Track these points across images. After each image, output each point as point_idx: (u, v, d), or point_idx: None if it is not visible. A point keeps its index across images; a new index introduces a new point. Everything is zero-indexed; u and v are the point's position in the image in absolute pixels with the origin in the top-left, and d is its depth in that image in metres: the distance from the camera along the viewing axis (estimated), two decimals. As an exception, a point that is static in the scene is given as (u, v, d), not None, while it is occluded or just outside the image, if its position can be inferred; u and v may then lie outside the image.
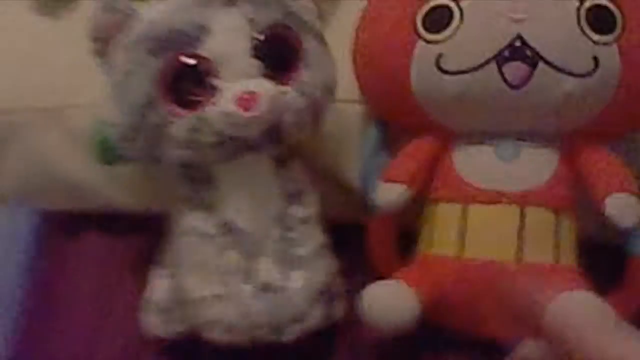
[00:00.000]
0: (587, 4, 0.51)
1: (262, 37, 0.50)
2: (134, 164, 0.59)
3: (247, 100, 0.47)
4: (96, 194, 0.66)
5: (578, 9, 0.51)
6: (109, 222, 0.68)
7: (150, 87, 0.48)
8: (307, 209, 0.54)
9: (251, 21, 0.49)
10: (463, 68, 0.52)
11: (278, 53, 0.50)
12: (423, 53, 0.53)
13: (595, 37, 0.51)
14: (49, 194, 0.68)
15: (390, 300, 0.51)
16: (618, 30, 0.51)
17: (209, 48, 0.48)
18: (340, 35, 0.59)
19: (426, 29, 0.53)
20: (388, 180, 0.55)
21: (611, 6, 0.51)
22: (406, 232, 0.58)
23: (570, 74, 0.51)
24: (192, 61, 0.48)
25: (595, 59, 0.51)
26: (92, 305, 0.66)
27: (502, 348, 0.49)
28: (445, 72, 0.52)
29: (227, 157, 0.51)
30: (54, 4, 0.67)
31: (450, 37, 0.52)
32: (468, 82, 0.52)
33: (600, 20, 0.51)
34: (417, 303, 0.51)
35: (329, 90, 0.53)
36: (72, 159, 0.64)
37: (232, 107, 0.47)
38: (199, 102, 0.48)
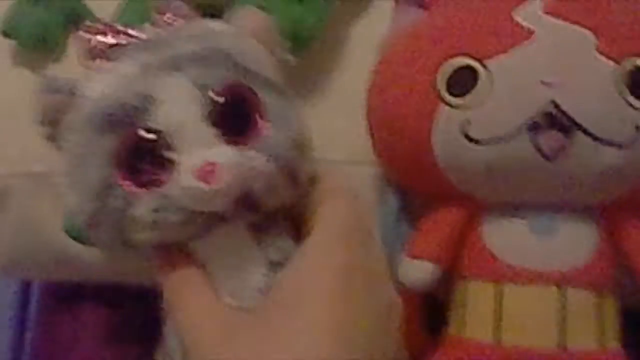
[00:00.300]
0: (627, 66, 0.46)
1: (214, 100, 0.44)
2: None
3: (206, 173, 0.42)
4: (89, 265, 0.61)
5: (617, 72, 0.46)
6: (107, 291, 0.63)
7: (105, 168, 0.44)
8: None
9: (201, 85, 0.44)
10: (492, 137, 0.47)
11: (235, 114, 0.45)
12: (447, 119, 0.48)
13: (637, 103, 0.46)
14: (41, 265, 0.64)
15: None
16: (661, 95, 0.46)
17: (159, 119, 0.43)
18: (349, 91, 0.54)
19: (450, 92, 0.48)
20: (414, 256, 0.51)
21: (652, 67, 0.47)
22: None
23: (610, 144, 0.46)
24: (143, 135, 0.44)
25: (637, 127, 0.46)
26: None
27: None
28: (473, 140, 0.48)
29: (199, 232, 0.45)
30: (38, 59, 0.62)
31: (477, 102, 0.47)
32: (498, 152, 0.47)
33: (640, 84, 0.46)
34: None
35: (299, 146, 0.47)
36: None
37: (191, 181, 0.43)
38: (158, 178, 0.44)
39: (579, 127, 0.46)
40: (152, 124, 0.43)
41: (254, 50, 0.48)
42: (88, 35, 0.46)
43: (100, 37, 0.47)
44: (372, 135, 0.53)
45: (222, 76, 0.45)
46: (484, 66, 0.47)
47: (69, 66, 0.61)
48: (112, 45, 0.46)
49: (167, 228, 0.44)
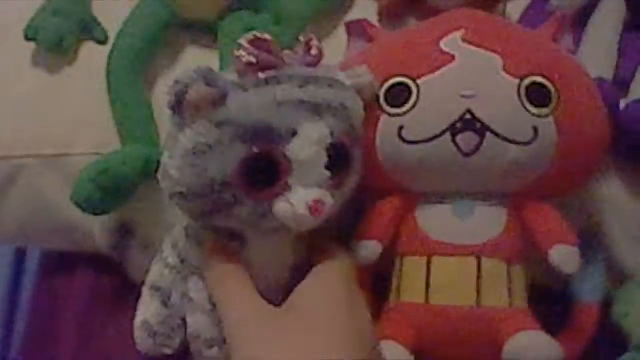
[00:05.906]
0: (526, 82, 0.54)
1: (334, 149, 0.50)
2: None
3: (317, 208, 0.48)
4: (91, 236, 0.65)
5: (519, 86, 0.54)
6: (99, 259, 0.67)
7: (229, 168, 0.48)
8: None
9: (330, 134, 0.50)
10: (421, 138, 0.55)
11: (339, 162, 0.51)
12: (387, 125, 0.56)
13: (534, 110, 0.54)
14: (47, 236, 0.68)
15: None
16: (554, 104, 0.54)
17: (293, 151, 0.48)
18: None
19: (388, 104, 0.56)
20: (363, 238, 0.57)
21: (547, 83, 0.54)
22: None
23: (514, 142, 0.54)
24: (276, 158, 0.48)
25: (535, 129, 0.54)
26: (79, 339, 0.68)
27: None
28: (407, 141, 0.55)
29: (271, 235, 0.52)
30: (54, 55, 0.67)
31: (409, 111, 0.55)
32: (426, 150, 0.55)
33: (538, 95, 0.54)
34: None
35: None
36: (69, 202, 0.62)
37: (305, 211, 0.48)
38: (269, 192, 0.49)
39: (489, 129, 0.53)
40: (286, 151, 0.48)
41: (360, 109, 0.54)
42: (253, 49, 0.49)
43: (264, 55, 0.49)
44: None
45: (343, 129, 0.51)
46: (416, 84, 0.55)
47: (79, 67, 0.66)
48: (271, 66, 0.49)
49: (256, 227, 0.50)
